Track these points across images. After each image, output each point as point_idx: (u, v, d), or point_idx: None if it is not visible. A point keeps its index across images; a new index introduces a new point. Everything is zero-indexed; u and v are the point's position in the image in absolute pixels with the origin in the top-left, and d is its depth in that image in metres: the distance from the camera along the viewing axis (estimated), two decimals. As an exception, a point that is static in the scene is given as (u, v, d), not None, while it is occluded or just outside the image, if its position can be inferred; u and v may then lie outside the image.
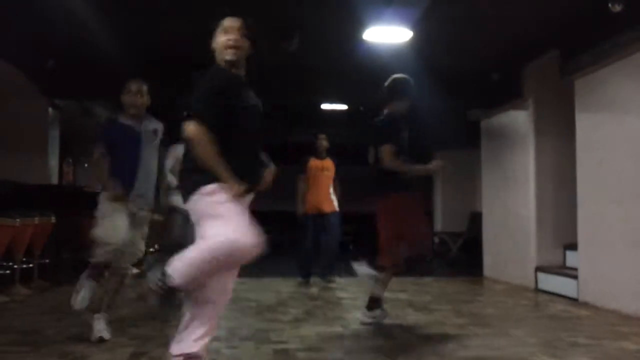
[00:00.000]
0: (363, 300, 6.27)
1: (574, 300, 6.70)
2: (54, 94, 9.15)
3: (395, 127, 5.18)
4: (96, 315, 4.40)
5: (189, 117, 2.99)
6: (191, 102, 3.07)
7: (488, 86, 8.80)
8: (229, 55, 3.20)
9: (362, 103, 10.68)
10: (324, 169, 8.15)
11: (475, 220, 10.89)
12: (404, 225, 5.02)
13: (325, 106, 11.02)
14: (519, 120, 8.35)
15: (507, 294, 7.45)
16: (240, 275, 3.27)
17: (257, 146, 3.29)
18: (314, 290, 7.53)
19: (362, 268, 5.23)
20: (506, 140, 8.79)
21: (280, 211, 10.14)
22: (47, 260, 7.35)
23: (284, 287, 7.66)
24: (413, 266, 5.25)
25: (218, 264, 2.92)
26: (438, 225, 14.13)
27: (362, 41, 6.63)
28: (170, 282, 2.92)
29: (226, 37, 3.21)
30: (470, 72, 8.36)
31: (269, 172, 3.45)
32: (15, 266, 6.46)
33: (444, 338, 4.84)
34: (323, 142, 8.24)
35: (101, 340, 4.30)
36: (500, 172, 9.03)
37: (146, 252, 8.68)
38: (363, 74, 8.12)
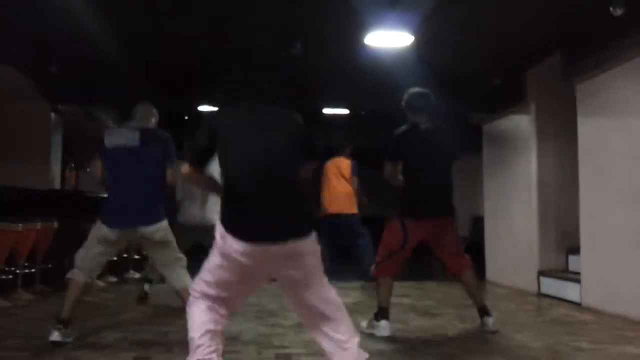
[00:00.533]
0: (366, 306, 6.28)
1: (577, 305, 6.68)
2: (57, 99, 9.16)
3: (409, 143, 5.10)
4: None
5: None
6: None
7: (490, 90, 8.79)
8: None
9: (364, 108, 10.68)
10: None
11: (478, 224, 10.87)
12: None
13: (327, 111, 11.02)
14: (522, 124, 8.35)
15: (510, 299, 7.43)
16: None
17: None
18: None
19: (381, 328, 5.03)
20: (508, 145, 8.78)
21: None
22: (50, 266, 7.35)
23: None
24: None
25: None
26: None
27: (364, 46, 6.63)
28: None
29: None
30: (473, 76, 8.36)
31: None
32: (18, 271, 6.47)
33: (447, 343, 4.84)
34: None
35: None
36: (502, 177, 9.03)
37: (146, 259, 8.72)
38: (365, 79, 8.13)
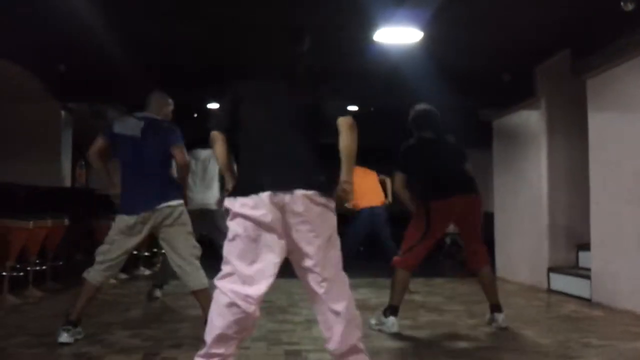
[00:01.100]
0: (374, 302, 6.28)
1: (586, 301, 6.66)
2: (66, 97, 9.20)
3: (418, 154, 5.16)
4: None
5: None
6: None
7: (500, 86, 8.76)
8: None
9: (373, 104, 10.66)
10: None
11: (488, 220, 10.84)
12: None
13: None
14: (531, 120, 8.32)
15: (520, 295, 7.42)
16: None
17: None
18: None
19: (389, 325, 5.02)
20: (518, 140, 8.76)
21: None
22: (60, 263, 7.40)
23: (295, 287, 7.64)
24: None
25: None
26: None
27: (372, 42, 6.62)
28: None
29: None
30: (482, 72, 8.33)
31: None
32: (29, 268, 6.51)
33: (456, 339, 4.83)
34: None
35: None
36: (512, 172, 9.00)
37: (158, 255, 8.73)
38: (374, 75, 8.11)
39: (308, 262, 2.91)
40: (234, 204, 2.88)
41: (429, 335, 4.94)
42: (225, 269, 2.89)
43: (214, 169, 6.74)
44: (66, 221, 6.82)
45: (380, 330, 4.94)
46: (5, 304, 5.93)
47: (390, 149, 5.73)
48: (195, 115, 11.12)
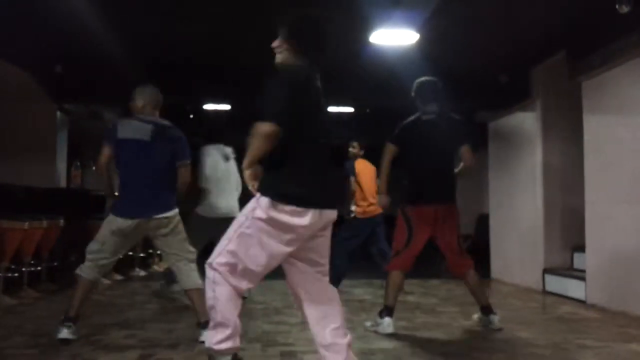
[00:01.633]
0: (370, 303, 6.28)
1: (582, 302, 6.67)
2: (62, 98, 9.19)
3: (411, 133, 5.13)
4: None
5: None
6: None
7: (496, 88, 8.79)
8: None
9: (369, 105, 10.67)
10: None
11: (483, 222, 10.86)
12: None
13: (331, 109, 11.02)
14: (527, 121, 8.34)
15: (515, 296, 7.43)
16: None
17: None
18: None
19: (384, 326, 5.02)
20: (514, 142, 8.77)
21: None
22: (55, 264, 7.38)
23: (291, 289, 7.63)
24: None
25: None
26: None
27: (369, 43, 6.63)
28: None
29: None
30: (478, 74, 8.36)
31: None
32: (24, 269, 6.49)
33: (452, 340, 4.84)
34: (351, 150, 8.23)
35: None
36: (507, 174, 9.02)
37: (153, 256, 8.71)
38: (370, 77, 8.13)
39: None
40: (272, 210, 2.91)
41: (425, 336, 4.94)
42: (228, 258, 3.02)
43: (236, 170, 6.44)
44: (61, 222, 6.81)
45: (375, 332, 4.94)
46: (1, 305, 5.90)
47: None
48: (192, 116, 11.11)
